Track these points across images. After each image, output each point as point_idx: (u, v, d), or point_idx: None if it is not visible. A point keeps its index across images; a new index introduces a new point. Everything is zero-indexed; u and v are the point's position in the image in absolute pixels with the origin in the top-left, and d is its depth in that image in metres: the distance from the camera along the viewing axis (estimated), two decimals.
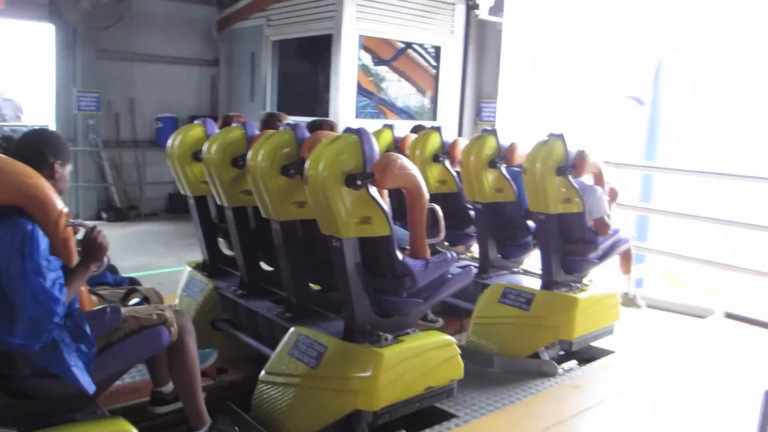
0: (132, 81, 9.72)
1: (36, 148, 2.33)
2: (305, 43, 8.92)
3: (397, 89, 9.00)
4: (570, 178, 3.97)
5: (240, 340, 3.79)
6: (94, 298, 2.50)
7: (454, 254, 3.26)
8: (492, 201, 4.35)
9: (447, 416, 3.33)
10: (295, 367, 3.07)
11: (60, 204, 2.14)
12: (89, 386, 2.10)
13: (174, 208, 9.92)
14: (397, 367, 2.94)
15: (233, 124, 3.93)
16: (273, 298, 3.82)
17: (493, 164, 4.30)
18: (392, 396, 2.94)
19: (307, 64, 9.23)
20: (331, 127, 3.78)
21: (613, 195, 4.30)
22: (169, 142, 4.16)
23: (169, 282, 5.06)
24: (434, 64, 8.96)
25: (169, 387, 2.86)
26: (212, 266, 4.28)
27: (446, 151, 4.73)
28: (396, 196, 3.89)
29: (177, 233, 8.35)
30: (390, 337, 3.02)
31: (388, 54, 8.70)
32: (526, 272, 4.63)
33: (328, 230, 2.97)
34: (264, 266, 4.03)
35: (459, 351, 3.20)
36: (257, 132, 3.84)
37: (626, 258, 4.64)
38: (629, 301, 4.92)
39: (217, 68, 10.38)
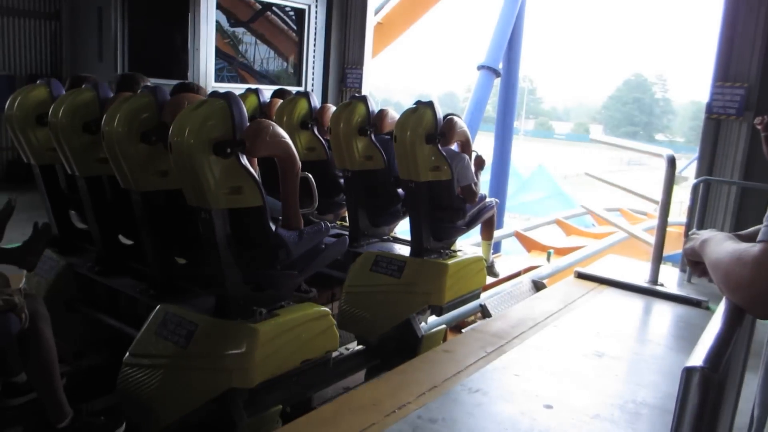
0: None
1: None
2: None
3: (256, 53, 8.69)
4: (439, 146, 4.01)
5: (98, 321, 3.51)
6: None
7: (328, 224, 3.20)
8: (362, 169, 4.32)
9: None
10: (164, 347, 2.89)
11: None
12: None
13: (13, 176, 9.02)
14: (273, 342, 2.86)
15: (84, 86, 3.60)
16: (134, 274, 3.57)
17: (363, 131, 4.26)
18: (268, 372, 2.86)
19: (162, 23, 8.58)
20: (197, 90, 3.55)
21: (479, 163, 4.39)
22: (8, 104, 3.73)
23: None
24: (295, 28, 8.72)
25: (23, 377, 2.59)
26: (63, 241, 3.93)
27: (315, 117, 4.63)
28: (265, 164, 3.75)
29: (19, 205, 7.62)
30: (264, 311, 2.91)
31: (245, 15, 8.35)
32: (396, 240, 4.67)
33: (196, 201, 2.79)
34: (123, 240, 3.76)
35: (334, 322, 3.17)
36: (111, 94, 3.54)
37: (489, 224, 4.79)
38: (487, 269, 5.12)
39: (59, 22, 9.48)
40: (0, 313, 2.18)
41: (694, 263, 1.50)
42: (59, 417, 2.47)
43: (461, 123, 4.16)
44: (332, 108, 4.60)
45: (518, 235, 10.50)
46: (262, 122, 2.85)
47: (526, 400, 3.01)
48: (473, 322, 5.57)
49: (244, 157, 2.80)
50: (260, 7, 8.42)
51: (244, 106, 2.85)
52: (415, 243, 4.15)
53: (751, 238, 1.29)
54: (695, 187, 5.00)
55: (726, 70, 5.69)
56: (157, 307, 3.05)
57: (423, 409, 2.85)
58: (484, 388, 3.12)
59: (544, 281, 6.39)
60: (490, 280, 5.18)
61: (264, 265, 2.92)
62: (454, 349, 3.63)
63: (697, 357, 1.11)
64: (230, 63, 8.41)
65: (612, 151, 56.74)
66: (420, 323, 4.24)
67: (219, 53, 7.84)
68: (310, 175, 3.08)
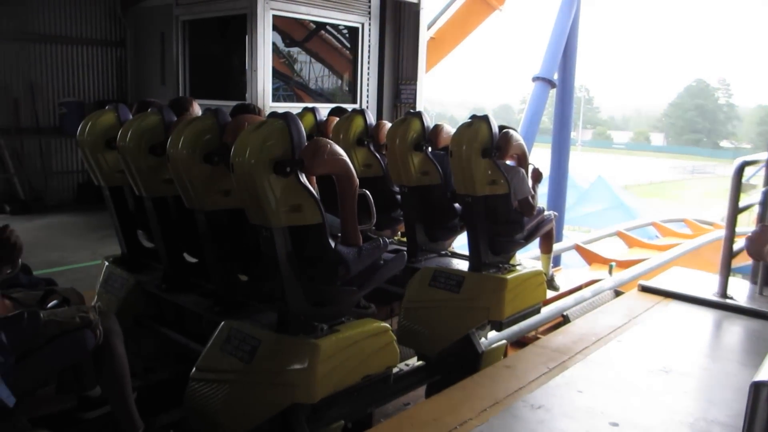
0: (31, 64, 9.12)
1: None
2: (217, 23, 8.53)
3: (311, 71, 8.81)
4: (495, 160, 4.00)
5: (166, 337, 3.63)
6: (7, 302, 2.30)
7: (386, 240, 3.22)
8: (418, 184, 4.34)
9: None
10: (228, 363, 2.95)
11: None
12: (8, 398, 1.95)
13: (84, 198, 9.40)
14: (334, 358, 2.89)
15: (149, 110, 3.74)
16: (199, 291, 3.67)
17: (418, 147, 4.28)
18: (330, 387, 2.89)
19: (220, 46, 8.85)
20: (256, 111, 3.64)
21: (536, 176, 4.36)
22: (79, 129, 3.92)
23: (86, 278, 4.81)
24: (349, 45, 8.79)
25: (97, 390, 2.70)
26: (132, 260, 4.09)
27: (371, 134, 4.68)
28: (323, 182, 3.81)
29: (88, 225, 7.93)
30: (325, 326, 2.96)
31: (300, 35, 8.48)
32: (453, 255, 4.66)
33: (258, 220, 2.86)
34: (188, 258, 3.87)
35: (394, 338, 3.18)
36: (175, 118, 3.67)
37: (548, 237, 4.74)
38: (547, 283, 5.06)
39: (124, 49, 9.87)
40: (77, 330, 2.29)
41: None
42: (132, 429, 2.56)
43: (517, 136, 4.14)
44: (388, 125, 4.64)
45: (578, 248, 10.27)
46: (319, 141, 2.91)
47: (590, 418, 2.95)
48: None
49: (303, 175, 2.86)
50: (314, 26, 8.53)
51: (302, 125, 2.91)
52: (473, 257, 4.14)
53: None
54: (765, 194, 4.81)
55: None
56: (222, 323, 3.12)
57: (485, 426, 2.83)
58: (546, 405, 3.07)
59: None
60: (550, 294, 5.11)
61: (324, 282, 2.96)
62: (516, 364, 3.61)
63: (766, 371, 1.09)
64: (287, 82, 8.54)
65: (675, 159, 55.33)
66: (480, 338, 4.21)
67: (275, 73, 7.95)
68: (367, 192, 3.11)
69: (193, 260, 3.89)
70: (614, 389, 3.27)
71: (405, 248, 4.19)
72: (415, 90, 8.99)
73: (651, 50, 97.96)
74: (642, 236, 12.22)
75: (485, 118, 4.00)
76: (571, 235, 13.88)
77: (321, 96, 8.80)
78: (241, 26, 7.68)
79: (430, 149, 4.35)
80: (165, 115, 3.60)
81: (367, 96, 8.88)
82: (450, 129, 4.38)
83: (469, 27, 12.48)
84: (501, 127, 4.09)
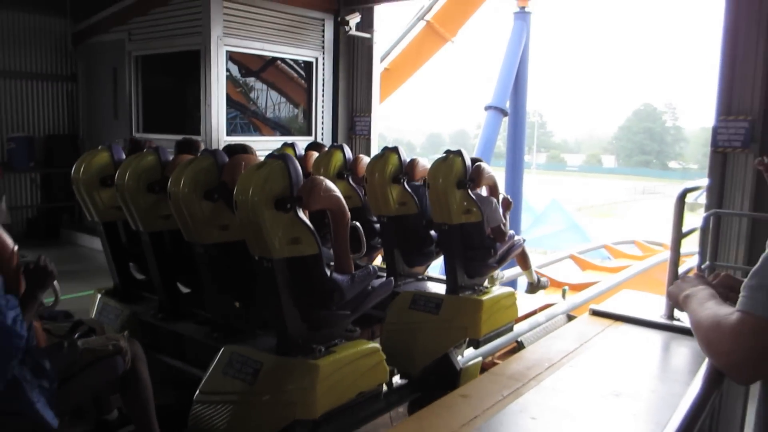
0: None
1: None
2: (171, 58, 8.45)
3: (268, 99, 8.77)
4: (469, 191, 4.32)
5: (164, 364, 3.81)
6: (44, 333, 2.50)
7: (375, 267, 3.50)
8: (397, 214, 4.64)
9: None
10: (232, 385, 3.17)
11: (11, 242, 2.17)
12: (53, 421, 2.14)
13: (33, 233, 9.25)
14: (332, 377, 3.14)
15: (145, 150, 3.97)
16: (194, 319, 3.89)
17: (396, 180, 4.58)
18: (329, 403, 3.13)
19: (173, 80, 8.77)
20: (246, 150, 3.89)
21: (506, 204, 4.70)
22: (74, 168, 4.12)
23: (75, 309, 4.91)
24: (304, 75, 8.87)
25: (114, 414, 2.88)
26: (124, 291, 4.26)
27: (349, 167, 4.97)
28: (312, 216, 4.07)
29: (55, 259, 7.85)
30: (323, 348, 3.21)
31: (256, 65, 8.49)
32: (430, 278, 4.96)
33: (259, 251, 3.11)
34: (181, 288, 4.08)
35: (384, 357, 3.44)
36: (170, 158, 3.91)
37: (522, 257, 5.09)
38: (536, 287, 5.41)
39: (75, 84, 9.70)
40: (109, 357, 2.50)
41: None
42: None
43: (488, 168, 4.49)
44: (365, 158, 4.95)
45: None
46: (315, 179, 3.19)
47: None
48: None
49: (301, 210, 3.12)
50: (270, 57, 8.59)
51: (298, 165, 3.18)
52: (450, 281, 4.44)
53: None
54: (706, 220, 4.94)
55: (729, 104, 5.77)
56: (222, 348, 3.35)
57: None
58: None
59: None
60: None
61: (321, 306, 3.22)
62: (471, 393, 3.60)
63: (671, 429, 1.18)
64: (243, 112, 8.56)
65: (626, 180, 56.95)
66: (457, 356, 4.50)
67: (231, 102, 7.94)
68: (358, 224, 3.39)
69: (186, 290, 4.10)
70: (566, 414, 3.29)
71: (384, 275, 4.46)
72: (370, 121, 9.05)
73: (600, 75, 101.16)
74: (595, 258, 12.66)
75: (459, 153, 4.34)
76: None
77: (278, 126, 8.86)
78: (194, 61, 7.67)
79: (406, 182, 4.65)
80: (161, 155, 3.83)
81: (322, 127, 8.95)
82: (425, 162, 4.72)
83: (423, 58, 12.75)
84: (473, 160, 4.43)
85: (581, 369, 3.94)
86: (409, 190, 4.65)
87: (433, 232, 4.73)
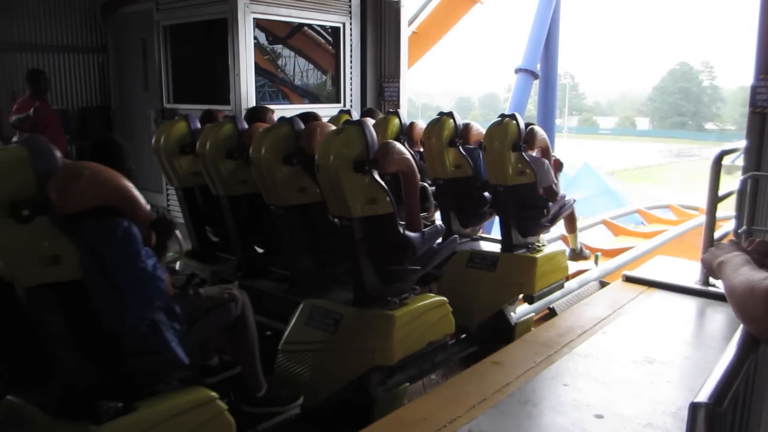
0: (12, 73, 8.82)
1: (118, 154, 2.64)
2: (198, 27, 8.27)
3: (295, 66, 8.64)
4: (523, 153, 4.53)
5: None
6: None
7: (443, 225, 3.75)
8: (453, 177, 4.86)
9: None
10: (314, 335, 3.47)
11: (144, 202, 2.46)
12: (184, 358, 2.45)
13: None
14: (406, 326, 3.41)
15: (221, 119, 4.25)
16: (272, 277, 4.19)
17: (452, 143, 4.80)
18: (403, 351, 3.42)
19: (202, 50, 8.56)
20: (317, 118, 4.13)
21: (557, 166, 4.90)
22: (154, 138, 4.42)
23: None
24: (332, 41, 8.68)
25: (215, 360, 3.21)
26: (203, 253, 4.58)
27: (405, 132, 5.20)
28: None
29: None
30: (397, 300, 3.48)
31: (283, 32, 8.31)
32: (483, 238, 5.20)
33: (339, 211, 3.38)
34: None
35: (450, 309, 3.71)
36: (246, 126, 4.18)
37: (570, 219, 5.29)
38: (577, 255, 5.62)
39: (106, 56, 9.63)
40: (225, 304, 2.82)
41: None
42: (258, 387, 3.07)
43: (541, 131, 4.68)
44: (421, 123, 5.17)
45: (565, 239, 10.42)
46: (389, 143, 3.43)
47: (576, 411, 3.02)
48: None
49: (377, 172, 3.37)
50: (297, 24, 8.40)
51: (373, 130, 3.42)
52: (505, 240, 4.67)
53: None
54: (743, 183, 4.95)
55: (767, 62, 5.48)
56: (302, 302, 3.65)
57: (473, 423, 2.90)
58: (533, 399, 3.16)
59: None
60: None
61: (394, 262, 3.49)
62: (503, 360, 3.67)
63: (704, 392, 1.17)
64: (271, 80, 8.50)
65: (661, 143, 56.13)
66: (510, 312, 4.76)
67: (259, 70, 7.81)
68: (427, 185, 3.63)
69: (260, 251, 4.40)
70: (599, 381, 3.32)
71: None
72: (398, 87, 8.83)
73: (634, 35, 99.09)
74: (628, 223, 12.27)
75: (513, 116, 4.53)
76: (558, 224, 14.12)
77: (307, 93, 8.77)
78: (222, 30, 7.56)
79: (461, 145, 4.86)
80: (238, 124, 4.10)
81: (351, 94, 8.83)
82: (478, 126, 4.93)
83: (451, 21, 12.54)
84: (527, 124, 4.62)
85: (614, 336, 3.98)
86: (464, 153, 4.87)
87: (486, 194, 4.95)
